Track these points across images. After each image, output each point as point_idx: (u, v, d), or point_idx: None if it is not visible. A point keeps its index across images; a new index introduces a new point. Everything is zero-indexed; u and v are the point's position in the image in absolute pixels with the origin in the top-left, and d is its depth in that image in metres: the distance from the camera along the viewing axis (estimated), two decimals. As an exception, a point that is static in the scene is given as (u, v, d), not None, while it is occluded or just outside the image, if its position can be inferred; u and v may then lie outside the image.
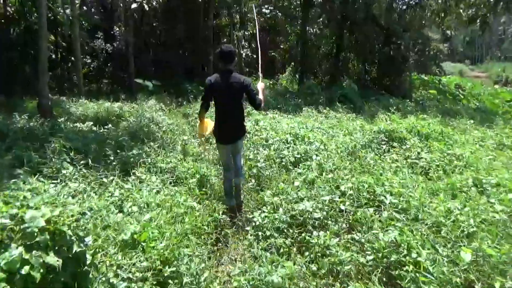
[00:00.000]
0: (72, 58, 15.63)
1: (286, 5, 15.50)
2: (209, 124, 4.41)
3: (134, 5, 11.89)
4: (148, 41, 20.87)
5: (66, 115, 9.52)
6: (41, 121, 6.46)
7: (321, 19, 15.59)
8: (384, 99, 12.08)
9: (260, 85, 4.22)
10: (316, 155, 4.74)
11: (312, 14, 15.26)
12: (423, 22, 15.42)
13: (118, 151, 4.79)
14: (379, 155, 5.25)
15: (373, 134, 5.97)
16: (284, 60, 18.95)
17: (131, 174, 4.43)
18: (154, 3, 10.31)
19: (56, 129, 5.86)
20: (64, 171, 4.19)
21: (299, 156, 4.86)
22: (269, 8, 15.59)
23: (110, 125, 6.97)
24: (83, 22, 19.87)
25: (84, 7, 19.86)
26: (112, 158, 4.65)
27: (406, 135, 5.80)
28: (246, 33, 16.89)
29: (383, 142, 5.68)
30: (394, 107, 10.33)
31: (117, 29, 19.99)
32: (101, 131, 6.57)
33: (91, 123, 7.00)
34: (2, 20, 13.99)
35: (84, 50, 15.84)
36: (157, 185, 4.18)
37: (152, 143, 5.40)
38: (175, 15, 20.11)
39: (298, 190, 3.72)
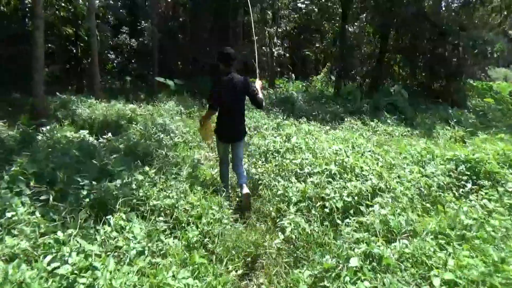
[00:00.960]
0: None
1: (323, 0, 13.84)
2: (211, 127, 4.46)
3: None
4: (175, 37, 19.79)
5: (69, 117, 8.42)
6: (21, 129, 5.27)
7: (364, 15, 13.84)
8: (438, 108, 10.27)
9: (258, 83, 4.33)
10: (378, 203, 3.19)
11: (353, 10, 13.55)
12: (483, 20, 13.35)
13: (94, 182, 3.45)
14: (464, 199, 3.64)
15: (448, 164, 4.34)
16: (319, 60, 17.30)
17: (108, 218, 3.07)
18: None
19: (27, 141, 4.63)
20: (9, 214, 2.89)
21: (350, 199, 3.34)
22: (305, 2, 13.99)
23: (109, 135, 5.70)
24: (108, 16, 19.10)
25: (111, 1, 19.04)
26: (85, 192, 3.31)
27: (497, 168, 4.14)
28: (279, 30, 15.40)
29: (464, 178, 4.05)
30: (454, 120, 8.53)
31: (144, 23, 19.04)
32: (94, 143, 5.30)
33: (86, 132, 5.73)
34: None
35: (105, 45, 14.83)
36: (138, 243, 2.80)
37: (148, 167, 4.03)
38: (204, 11, 18.95)
39: (357, 280, 2.21)
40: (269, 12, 16.01)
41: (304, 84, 16.58)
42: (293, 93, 13.09)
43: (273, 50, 13.73)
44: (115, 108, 8.85)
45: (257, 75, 4.79)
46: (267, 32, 13.96)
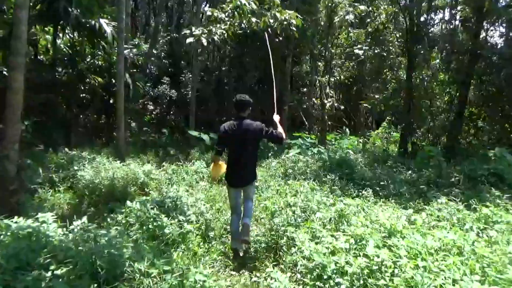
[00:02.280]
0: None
1: (388, 39, 11.78)
2: (223, 167, 4.44)
3: (190, 39, 9.08)
4: (218, 88, 18.60)
5: (68, 181, 6.73)
6: None
7: (436, 61, 11.56)
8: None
9: (276, 118, 4.54)
10: None
11: (421, 53, 11.34)
12: None
13: None
14: None
15: None
16: (380, 113, 14.98)
17: None
18: (216, 38, 7.43)
19: None
20: None
21: None
22: (363, 47, 12.05)
23: (83, 220, 3.71)
24: (152, 66, 18.43)
25: (154, 51, 18.47)
26: None
27: None
28: (332, 79, 13.51)
29: None
30: None
31: (186, 74, 18.14)
32: (51, 237, 3.33)
33: (51, 216, 3.78)
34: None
35: (138, 95, 13.68)
36: None
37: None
38: (250, 61, 17.76)
39: None
40: (320, 61, 14.24)
41: (361, 141, 14.20)
42: (350, 152, 10.79)
43: (325, 101, 11.70)
44: (126, 169, 7.06)
45: (275, 110, 4.81)
46: (317, 81, 12.07)
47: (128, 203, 4.50)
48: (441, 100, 11.78)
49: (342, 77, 15.01)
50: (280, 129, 4.27)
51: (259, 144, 4.42)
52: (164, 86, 17.13)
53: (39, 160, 7.88)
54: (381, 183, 7.07)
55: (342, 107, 13.31)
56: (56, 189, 6.41)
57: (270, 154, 10.09)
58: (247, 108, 4.21)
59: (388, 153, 10.93)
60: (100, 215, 5.36)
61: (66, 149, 8.15)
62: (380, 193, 6.63)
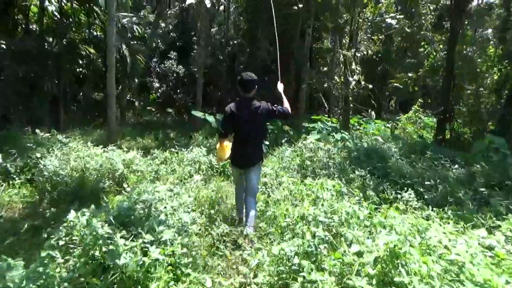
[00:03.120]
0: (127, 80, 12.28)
1: (424, 11, 9.89)
2: (229, 147, 4.21)
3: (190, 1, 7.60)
4: (229, 66, 17.01)
5: (28, 172, 5.39)
6: None
7: (487, 31, 9.63)
8: None
9: (280, 87, 4.31)
10: None
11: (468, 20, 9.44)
12: None
13: None
14: None
15: None
16: (408, 93, 13.15)
17: None
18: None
19: None
20: None
21: None
22: (397, 16, 10.18)
23: None
24: (158, 40, 16.91)
25: (163, 24, 16.89)
26: None
27: None
28: (358, 54, 11.67)
29: None
30: None
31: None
32: None
33: None
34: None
35: (138, 71, 12.20)
36: None
37: None
38: (264, 36, 16.01)
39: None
40: (345, 34, 12.43)
41: (389, 126, 12.47)
42: (379, 139, 9.14)
43: (350, 78, 10.00)
44: (103, 157, 5.65)
45: (279, 78, 4.51)
46: (341, 57, 10.36)
47: (71, 214, 3.08)
48: (490, 79, 9.90)
49: (369, 51, 13.14)
50: (285, 102, 4.15)
51: (266, 125, 4.23)
52: (170, 61, 15.62)
53: (9, 142, 6.58)
54: (426, 182, 5.48)
55: (370, 86, 11.47)
56: (11, 182, 5.07)
57: (283, 141, 8.49)
58: (253, 88, 3.95)
59: (426, 142, 9.21)
60: (59, 219, 4.01)
61: (45, 130, 6.79)
62: (426, 196, 5.07)
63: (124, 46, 10.55)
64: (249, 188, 4.05)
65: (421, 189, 5.26)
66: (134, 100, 14.51)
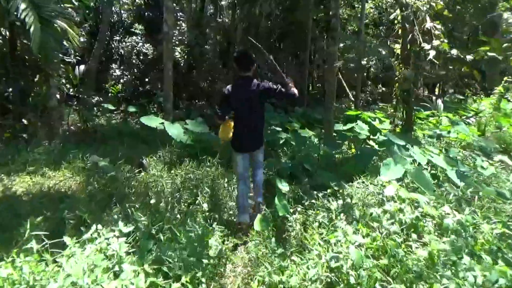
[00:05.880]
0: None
1: None
2: (232, 126, 3.96)
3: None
4: (220, 42, 12.36)
5: None
6: None
7: None
8: None
9: (289, 81, 3.75)
10: None
11: None
12: None
13: None
14: None
15: None
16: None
17: None
18: None
19: None
20: None
21: None
22: None
23: None
24: (120, 11, 12.18)
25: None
26: None
27: None
28: (433, 3, 6.75)
29: None
30: None
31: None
32: None
33: None
34: None
35: (45, 48, 7.42)
36: None
37: None
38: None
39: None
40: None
41: (472, 122, 7.81)
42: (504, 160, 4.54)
43: (427, 46, 5.37)
44: None
45: (284, 76, 3.83)
46: (409, 8, 5.75)
47: None
48: None
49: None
50: (293, 87, 3.66)
51: (264, 105, 3.82)
52: (134, 38, 10.96)
53: None
54: None
55: (454, 51, 6.37)
56: None
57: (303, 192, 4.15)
58: (250, 65, 3.69)
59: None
60: None
61: None
62: None
63: (22, 6, 5.94)
64: (256, 164, 3.89)
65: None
66: (82, 96, 9.94)
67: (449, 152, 5.16)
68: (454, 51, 5.37)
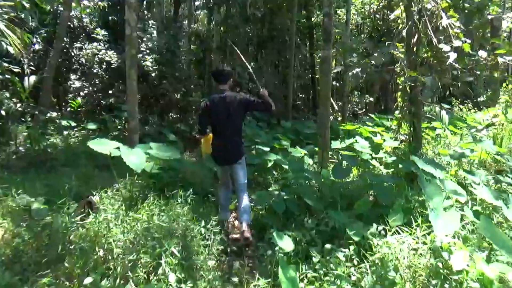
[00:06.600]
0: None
1: None
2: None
3: None
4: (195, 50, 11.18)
5: None
6: None
7: None
8: None
9: (264, 92, 3.80)
10: None
11: None
12: None
13: None
14: None
15: None
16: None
17: None
18: None
19: None
20: None
21: None
22: None
23: None
24: (82, 16, 10.80)
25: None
26: None
27: None
28: None
29: None
30: None
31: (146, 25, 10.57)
32: None
33: None
34: None
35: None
36: None
37: None
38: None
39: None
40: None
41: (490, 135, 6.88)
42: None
43: (446, 48, 4.37)
44: None
45: (259, 87, 3.98)
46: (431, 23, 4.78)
47: None
48: None
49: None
50: (269, 100, 3.75)
51: (243, 118, 3.94)
52: (96, 45, 9.60)
53: None
54: None
55: (482, 53, 5.40)
56: None
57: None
58: (227, 79, 3.80)
59: None
60: None
61: None
62: None
63: None
64: (238, 185, 3.83)
65: None
66: (31, 111, 8.48)
67: (475, 176, 4.13)
68: (483, 53, 4.37)
